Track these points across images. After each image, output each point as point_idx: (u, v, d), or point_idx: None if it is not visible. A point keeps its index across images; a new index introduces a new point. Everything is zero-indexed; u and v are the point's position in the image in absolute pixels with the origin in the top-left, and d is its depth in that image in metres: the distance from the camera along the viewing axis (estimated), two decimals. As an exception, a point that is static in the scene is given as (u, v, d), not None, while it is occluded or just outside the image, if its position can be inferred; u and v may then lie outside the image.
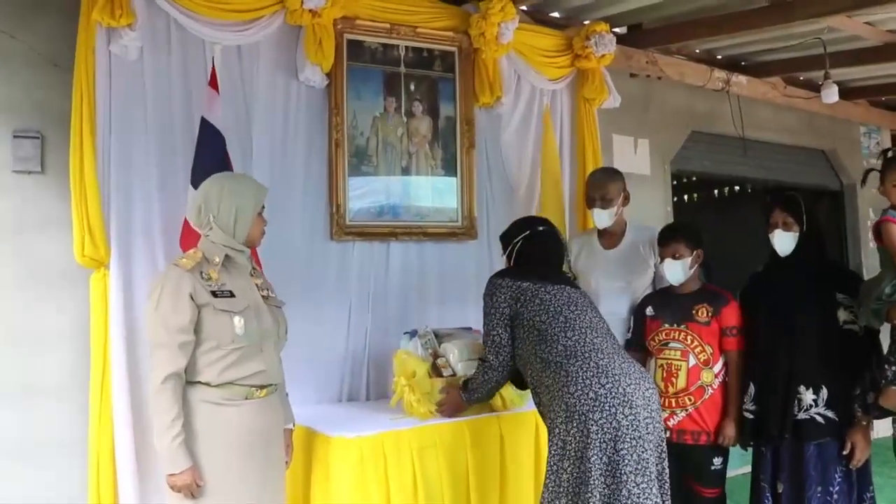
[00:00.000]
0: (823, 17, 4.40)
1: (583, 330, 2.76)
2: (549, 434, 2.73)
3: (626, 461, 2.55)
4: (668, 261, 3.24)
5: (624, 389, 2.61)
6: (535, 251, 3.02)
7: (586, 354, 2.68)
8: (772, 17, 4.41)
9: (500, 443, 3.09)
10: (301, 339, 3.22)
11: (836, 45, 5.01)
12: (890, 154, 2.90)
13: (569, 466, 2.58)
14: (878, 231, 2.81)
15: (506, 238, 3.12)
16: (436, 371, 3.20)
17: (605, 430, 2.56)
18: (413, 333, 3.42)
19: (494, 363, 2.89)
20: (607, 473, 2.55)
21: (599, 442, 2.55)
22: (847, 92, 5.98)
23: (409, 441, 2.90)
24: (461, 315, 3.77)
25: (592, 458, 2.54)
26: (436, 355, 3.27)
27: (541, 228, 3.09)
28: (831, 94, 5.14)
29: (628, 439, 2.57)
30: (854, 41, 5.01)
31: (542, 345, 2.75)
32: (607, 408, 2.57)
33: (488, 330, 2.90)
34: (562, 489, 2.59)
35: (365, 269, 3.76)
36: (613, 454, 2.55)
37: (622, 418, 2.57)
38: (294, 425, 2.82)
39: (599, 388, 2.59)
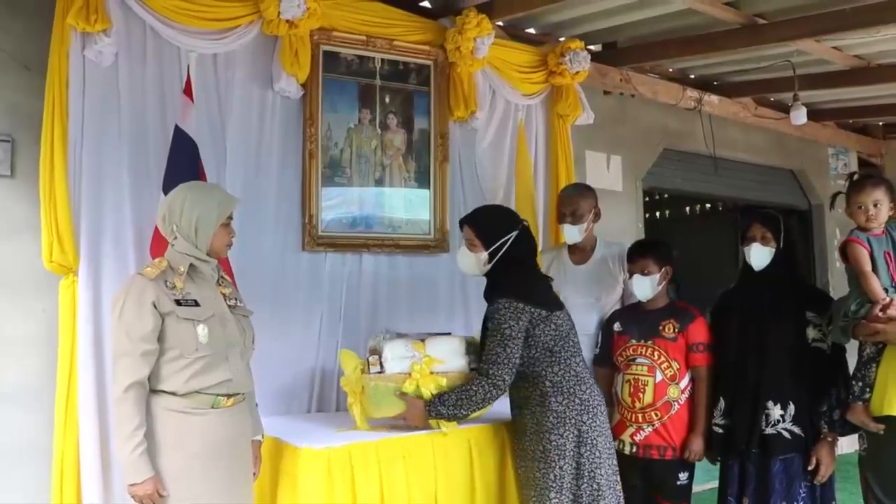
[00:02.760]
0: (793, 41, 4.48)
1: (581, 355, 3.00)
2: (543, 462, 2.85)
3: (608, 482, 2.88)
4: (636, 276, 3.27)
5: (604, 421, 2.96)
6: (523, 253, 3.00)
7: (588, 381, 2.94)
8: (743, 39, 4.49)
9: (469, 455, 3.07)
10: (271, 350, 3.21)
11: (805, 68, 5.10)
12: (856, 177, 2.97)
13: (583, 486, 2.84)
14: (844, 251, 2.88)
15: (493, 231, 2.98)
16: (366, 367, 3.04)
17: (593, 458, 2.87)
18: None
19: (507, 381, 2.85)
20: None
21: (605, 466, 2.88)
22: (815, 114, 6.08)
23: (376, 452, 2.88)
24: (431, 328, 3.77)
25: (601, 479, 2.85)
26: (372, 352, 3.11)
27: (523, 224, 3.07)
28: (800, 116, 5.24)
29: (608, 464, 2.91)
30: (823, 65, 5.10)
31: (554, 367, 2.90)
32: (602, 439, 2.90)
33: (507, 350, 2.82)
34: None
35: (336, 281, 3.75)
36: (593, 478, 2.86)
37: (603, 449, 2.89)
38: (263, 437, 2.80)
39: (602, 417, 2.92)
